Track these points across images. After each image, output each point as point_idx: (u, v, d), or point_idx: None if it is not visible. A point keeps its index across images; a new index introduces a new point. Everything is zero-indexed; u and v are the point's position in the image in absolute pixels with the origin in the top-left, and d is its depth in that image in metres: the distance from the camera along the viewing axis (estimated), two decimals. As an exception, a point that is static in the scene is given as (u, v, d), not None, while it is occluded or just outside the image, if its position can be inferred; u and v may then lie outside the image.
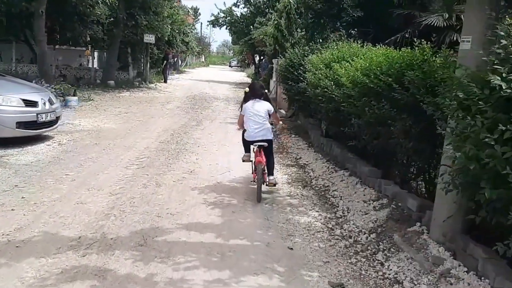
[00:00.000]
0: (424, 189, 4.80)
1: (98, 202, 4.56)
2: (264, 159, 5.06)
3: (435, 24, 8.01)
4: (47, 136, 7.55)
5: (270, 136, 5.21)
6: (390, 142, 4.51)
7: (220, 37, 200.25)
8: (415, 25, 8.45)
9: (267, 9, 25.27)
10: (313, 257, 3.59)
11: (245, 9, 28.93)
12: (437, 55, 3.96)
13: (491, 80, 2.48)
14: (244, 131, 5.38)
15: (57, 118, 7.66)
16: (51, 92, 8.72)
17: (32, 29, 13.41)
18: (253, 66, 34.42)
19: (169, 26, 20.36)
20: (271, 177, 5.18)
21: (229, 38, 56.98)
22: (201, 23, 70.11)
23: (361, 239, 3.98)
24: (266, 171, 5.15)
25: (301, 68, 8.43)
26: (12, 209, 4.20)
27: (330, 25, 11.33)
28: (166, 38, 21.37)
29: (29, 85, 8.20)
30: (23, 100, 6.89)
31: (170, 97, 16.02)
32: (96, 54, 19.51)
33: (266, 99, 5.43)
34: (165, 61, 22.42)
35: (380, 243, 3.83)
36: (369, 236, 4.01)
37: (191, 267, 3.27)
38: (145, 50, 20.62)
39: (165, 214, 4.36)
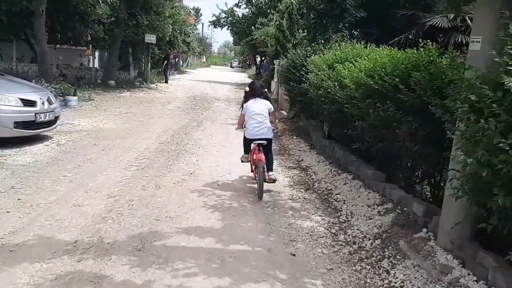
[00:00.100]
0: (429, 193, 4.70)
1: (96, 205, 4.45)
2: (264, 157, 5.06)
3: (440, 25, 7.92)
4: (45, 136, 7.45)
5: (270, 135, 5.27)
6: (395, 145, 4.41)
7: (222, 37, 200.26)
8: (419, 26, 8.37)
9: (269, 10, 25.20)
10: (316, 264, 3.48)
11: (247, 10, 28.91)
12: (444, 56, 3.88)
13: (505, 82, 2.38)
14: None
15: (56, 118, 7.56)
16: (50, 92, 8.66)
17: (32, 28, 13.37)
18: (255, 67, 34.37)
19: (170, 26, 20.26)
20: (270, 173, 5.22)
21: (230, 39, 56.86)
22: (203, 24, 70.37)
23: (365, 245, 3.86)
24: (265, 168, 5.13)
25: (303, 69, 8.33)
26: (7, 211, 4.10)
27: (333, 26, 11.24)
28: (167, 38, 21.29)
29: (28, 85, 8.10)
30: (22, 99, 6.79)
31: (170, 98, 15.92)
32: (97, 53, 19.45)
33: (266, 98, 5.51)
34: (166, 61, 22.35)
35: (386, 250, 3.72)
36: (374, 242, 3.89)
37: (190, 274, 3.17)
38: (146, 50, 20.53)
39: (164, 217, 4.26)
